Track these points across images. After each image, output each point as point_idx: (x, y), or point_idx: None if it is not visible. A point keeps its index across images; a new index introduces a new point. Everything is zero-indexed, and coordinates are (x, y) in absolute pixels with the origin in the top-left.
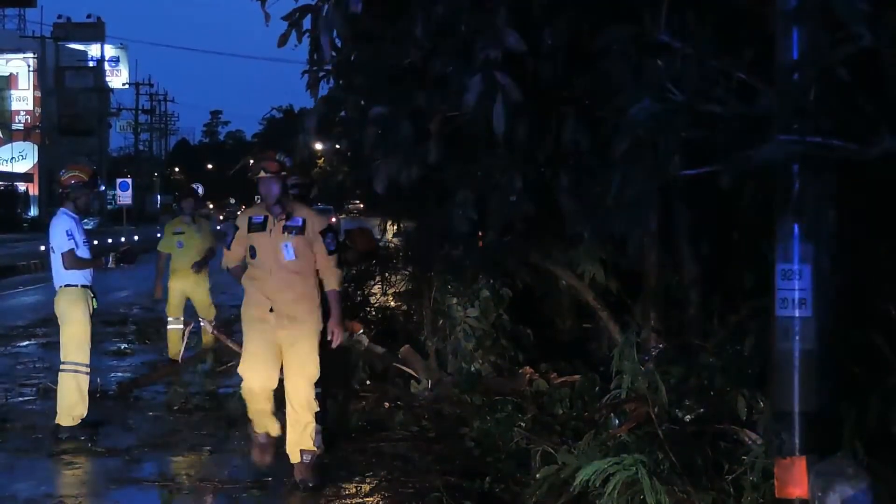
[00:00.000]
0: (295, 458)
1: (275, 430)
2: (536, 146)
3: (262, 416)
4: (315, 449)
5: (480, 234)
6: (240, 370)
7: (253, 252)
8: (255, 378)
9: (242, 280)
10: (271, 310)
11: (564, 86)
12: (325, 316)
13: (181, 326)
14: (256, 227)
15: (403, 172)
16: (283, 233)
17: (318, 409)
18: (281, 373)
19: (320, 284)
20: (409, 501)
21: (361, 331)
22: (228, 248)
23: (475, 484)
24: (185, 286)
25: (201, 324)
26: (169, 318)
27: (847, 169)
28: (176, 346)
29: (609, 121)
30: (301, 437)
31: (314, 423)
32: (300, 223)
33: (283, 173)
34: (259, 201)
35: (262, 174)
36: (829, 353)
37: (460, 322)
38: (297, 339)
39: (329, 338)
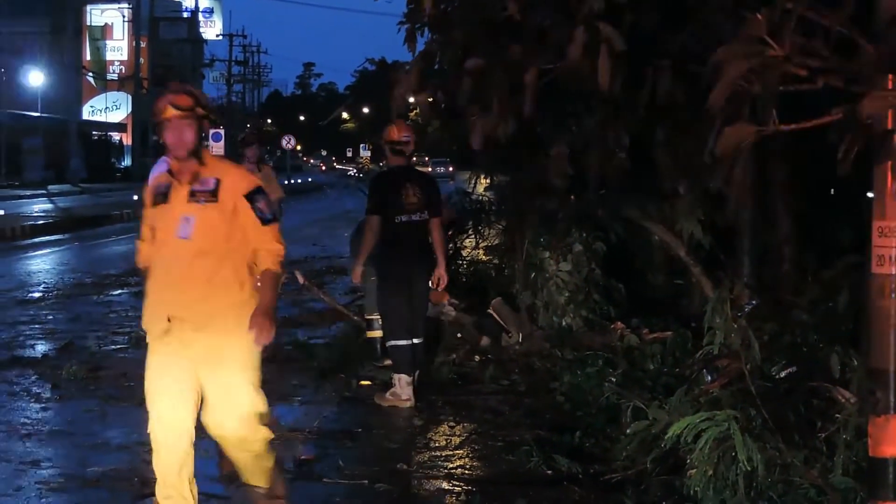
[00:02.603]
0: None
1: None
2: (632, 100)
3: (170, 498)
4: (268, 488)
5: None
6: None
7: (155, 234)
8: (159, 426)
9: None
10: (170, 319)
11: (661, 39)
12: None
13: None
14: (160, 197)
15: (500, 127)
16: (189, 201)
17: (272, 436)
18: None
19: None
20: (498, 454)
21: (447, 301)
22: (140, 238)
23: (565, 438)
24: None
25: (295, 274)
26: None
27: None
28: None
29: (706, 75)
30: (242, 472)
31: (268, 460)
32: (212, 185)
33: (200, 111)
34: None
35: (170, 112)
36: None
37: (552, 276)
38: (216, 356)
39: (254, 338)
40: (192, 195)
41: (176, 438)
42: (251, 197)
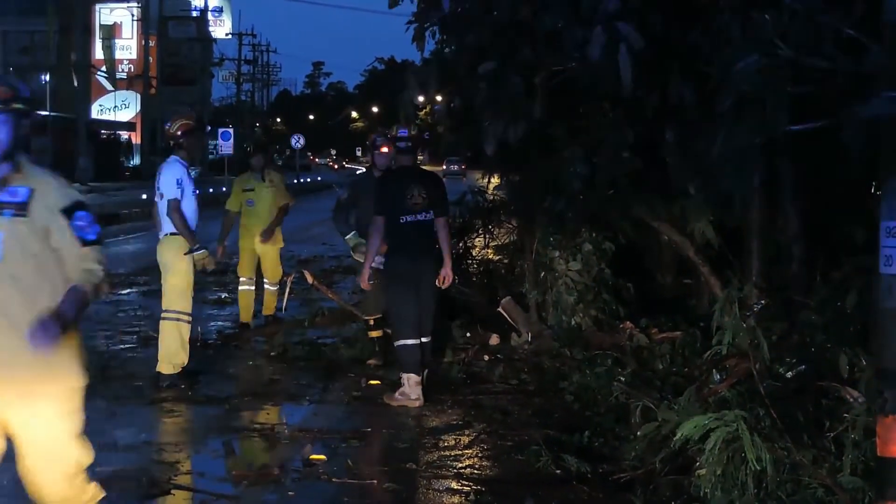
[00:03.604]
0: None
1: None
2: (642, 101)
3: None
4: None
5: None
6: None
7: None
8: None
9: None
10: None
11: (671, 40)
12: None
13: (253, 287)
14: None
15: (511, 130)
16: None
17: None
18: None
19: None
20: (507, 454)
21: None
22: None
23: (574, 438)
24: (256, 244)
25: (304, 273)
26: (241, 279)
27: None
28: (248, 308)
29: (715, 76)
30: None
31: None
32: (23, 197)
33: (19, 107)
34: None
35: None
36: None
37: (562, 275)
38: (31, 401)
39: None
40: None
41: None
42: (69, 212)
